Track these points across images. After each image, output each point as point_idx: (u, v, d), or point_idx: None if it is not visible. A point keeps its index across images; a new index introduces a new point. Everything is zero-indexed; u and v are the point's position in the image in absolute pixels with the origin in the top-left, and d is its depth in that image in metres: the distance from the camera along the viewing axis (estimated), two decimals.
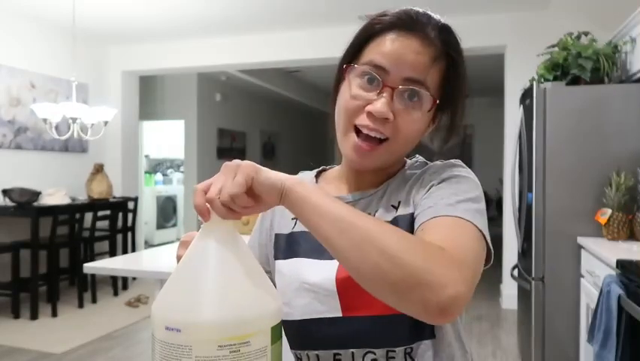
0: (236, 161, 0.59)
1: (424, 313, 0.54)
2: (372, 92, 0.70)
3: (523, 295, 3.02)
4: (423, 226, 0.65)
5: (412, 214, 0.71)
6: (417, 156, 0.85)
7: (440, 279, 0.52)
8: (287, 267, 0.78)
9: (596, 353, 1.95)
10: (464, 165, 0.76)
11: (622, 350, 1.77)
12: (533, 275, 2.70)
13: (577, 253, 2.61)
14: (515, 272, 3.24)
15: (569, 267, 2.63)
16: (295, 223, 0.81)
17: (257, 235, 0.88)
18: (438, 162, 0.77)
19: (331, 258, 0.72)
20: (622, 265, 1.90)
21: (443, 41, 0.72)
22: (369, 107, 0.69)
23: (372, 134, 0.70)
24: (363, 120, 0.70)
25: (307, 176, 0.91)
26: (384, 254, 0.54)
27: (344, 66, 0.74)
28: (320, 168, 0.93)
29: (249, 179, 0.56)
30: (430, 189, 0.71)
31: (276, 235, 0.83)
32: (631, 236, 2.46)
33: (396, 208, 0.74)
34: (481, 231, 0.64)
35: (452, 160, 0.76)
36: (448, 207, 0.65)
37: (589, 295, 2.39)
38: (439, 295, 0.52)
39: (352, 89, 0.71)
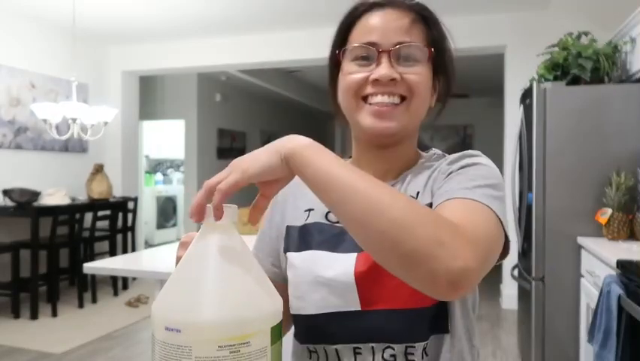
0: (238, 161, 0.59)
1: (433, 286, 0.52)
2: (370, 65, 0.72)
3: (523, 295, 3.02)
4: (438, 208, 0.64)
5: (431, 204, 0.69)
6: (434, 148, 0.84)
7: (450, 252, 0.51)
8: (300, 260, 0.76)
9: (596, 353, 1.95)
10: (483, 154, 0.75)
11: (622, 350, 1.77)
12: (533, 275, 2.70)
13: (577, 253, 2.61)
14: (515, 272, 3.24)
15: (569, 267, 2.63)
16: (308, 215, 0.80)
17: (267, 230, 0.86)
18: (456, 154, 0.76)
19: (347, 250, 0.72)
20: (622, 265, 1.90)
21: (417, 9, 0.74)
22: (373, 75, 0.71)
23: (387, 99, 0.71)
24: (370, 90, 0.71)
25: None
26: (394, 224, 0.52)
27: (337, 52, 0.76)
28: None
29: (242, 180, 0.56)
30: (448, 176, 0.70)
31: (288, 227, 0.81)
32: (631, 236, 2.46)
33: (414, 198, 0.74)
34: (498, 217, 0.62)
35: (471, 150, 0.75)
36: (466, 190, 0.64)
37: (589, 295, 2.39)
38: (448, 268, 0.51)
39: (351, 69, 0.73)
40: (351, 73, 0.73)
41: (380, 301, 0.69)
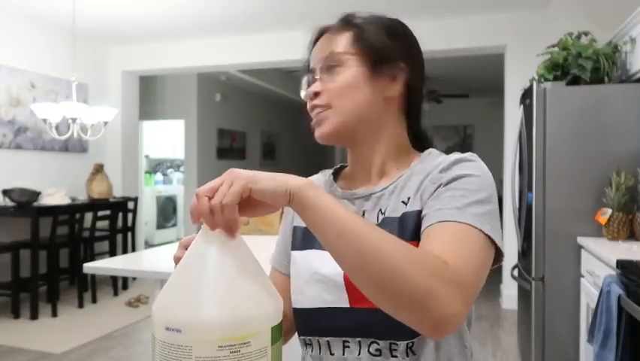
0: (238, 170, 0.59)
1: (419, 327, 0.56)
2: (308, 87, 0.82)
3: (523, 295, 3.02)
4: (429, 230, 0.65)
5: (420, 212, 0.72)
6: (431, 148, 0.84)
7: (441, 301, 0.54)
8: (301, 258, 0.82)
9: (596, 353, 1.95)
10: (477, 158, 0.75)
11: (622, 350, 1.77)
12: (533, 275, 2.70)
13: (577, 253, 2.61)
14: (515, 272, 3.24)
15: (569, 267, 2.63)
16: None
17: (283, 229, 0.91)
18: (450, 157, 0.75)
19: None
20: (622, 265, 1.90)
21: (343, 20, 0.81)
22: (302, 95, 0.83)
23: (315, 111, 0.80)
24: (309, 107, 0.81)
25: (326, 173, 0.92)
26: (387, 270, 0.55)
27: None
28: (338, 166, 0.94)
29: (245, 189, 0.57)
30: (438, 188, 0.71)
31: (294, 228, 0.87)
32: (631, 236, 2.46)
33: (405, 204, 0.75)
34: (489, 236, 0.64)
35: (465, 155, 0.75)
36: (456, 211, 0.65)
37: (589, 295, 2.39)
38: (436, 315, 0.54)
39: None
40: (304, 98, 0.83)
41: (367, 300, 0.71)
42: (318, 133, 0.79)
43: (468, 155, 0.75)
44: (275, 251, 0.91)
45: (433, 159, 0.79)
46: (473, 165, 0.73)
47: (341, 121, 0.78)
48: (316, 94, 0.78)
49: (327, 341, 0.77)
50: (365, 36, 0.78)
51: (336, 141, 0.80)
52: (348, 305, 0.74)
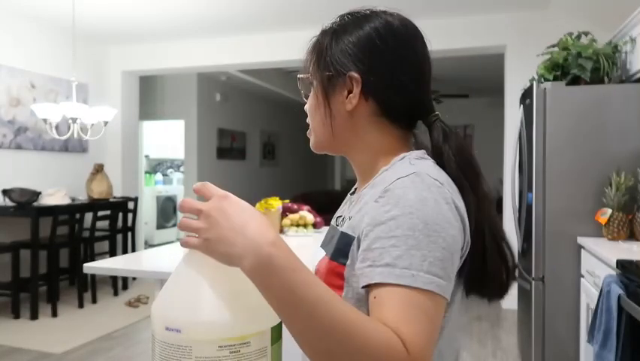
0: (214, 221, 0.58)
1: None
2: None
3: (523, 295, 3.02)
4: (375, 295, 0.61)
5: (353, 239, 0.70)
6: (408, 153, 0.76)
7: None
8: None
9: (596, 353, 1.95)
10: (409, 182, 0.66)
11: (622, 350, 1.77)
12: (533, 275, 2.70)
13: (577, 253, 2.61)
14: (515, 272, 3.24)
15: (569, 267, 2.63)
16: (336, 219, 0.86)
17: None
18: (386, 183, 0.69)
19: (324, 251, 0.79)
20: (622, 265, 1.90)
21: (312, 43, 0.82)
22: None
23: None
24: None
25: None
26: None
27: None
28: None
29: (202, 250, 0.57)
30: (367, 230, 0.66)
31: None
32: (631, 236, 2.46)
33: (349, 220, 0.75)
34: (431, 291, 0.60)
35: (397, 182, 0.67)
36: (387, 268, 0.60)
37: (589, 295, 2.39)
38: None
39: None
40: None
41: None
42: (311, 146, 0.84)
43: (400, 182, 0.67)
44: None
45: (396, 170, 0.72)
46: (407, 197, 0.65)
47: (316, 140, 0.81)
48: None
49: None
50: (321, 53, 0.79)
51: (331, 152, 0.83)
52: None
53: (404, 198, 0.64)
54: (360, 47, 0.75)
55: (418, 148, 0.79)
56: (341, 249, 0.72)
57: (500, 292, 0.77)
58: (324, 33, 0.80)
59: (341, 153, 0.83)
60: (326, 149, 0.82)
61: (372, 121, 0.77)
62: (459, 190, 0.71)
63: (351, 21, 0.78)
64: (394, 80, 0.75)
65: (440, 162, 0.74)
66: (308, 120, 0.82)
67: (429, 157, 0.75)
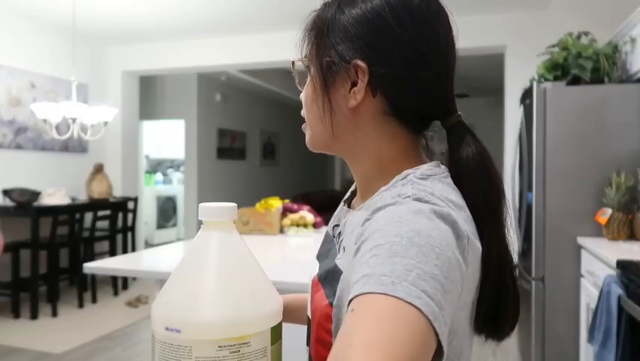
0: None
1: None
2: None
3: (523, 295, 3.02)
4: (350, 306, 0.44)
5: (341, 274, 0.59)
6: (413, 171, 0.60)
7: None
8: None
9: (596, 353, 1.95)
10: (406, 200, 0.53)
11: (622, 350, 1.77)
12: (533, 275, 2.70)
13: (577, 253, 2.61)
14: (515, 272, 3.24)
15: (569, 267, 2.63)
16: (333, 228, 0.75)
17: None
18: (382, 201, 0.55)
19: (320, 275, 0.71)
20: (622, 265, 1.90)
21: (311, 19, 0.67)
22: None
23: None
24: None
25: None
26: None
27: None
28: None
29: None
30: (357, 250, 0.52)
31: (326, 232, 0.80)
32: (631, 236, 2.46)
33: (344, 251, 0.63)
34: (416, 307, 0.42)
35: (392, 202, 0.54)
36: (367, 279, 0.44)
37: (589, 295, 2.39)
38: None
39: None
40: None
41: (314, 342, 0.65)
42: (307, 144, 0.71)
43: (397, 202, 0.53)
44: None
45: (397, 190, 0.57)
46: (394, 210, 0.52)
47: (313, 138, 0.68)
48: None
49: (309, 350, 0.74)
50: (321, 32, 0.64)
51: (330, 151, 0.69)
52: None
53: (395, 212, 0.51)
54: (369, 27, 0.60)
55: (428, 155, 0.66)
56: (333, 286, 0.60)
57: (511, 331, 0.65)
58: (326, 6, 0.65)
59: (340, 155, 0.69)
60: (323, 149, 0.68)
61: (378, 122, 0.62)
62: (476, 216, 0.57)
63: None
64: (410, 71, 0.59)
65: (456, 174, 0.60)
66: (303, 112, 0.68)
67: (442, 168, 0.61)
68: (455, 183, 0.60)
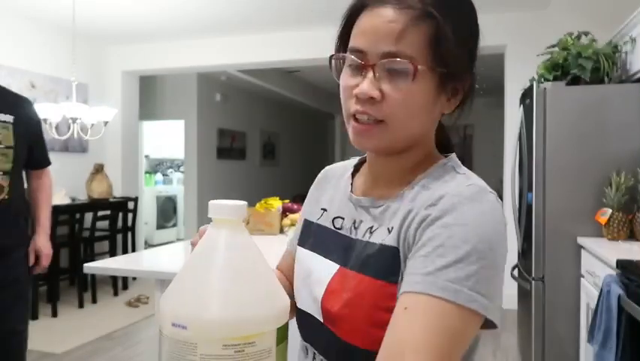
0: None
1: None
2: (359, 76, 0.64)
3: (523, 295, 3.02)
4: (407, 305, 0.56)
5: (397, 250, 0.63)
6: (451, 155, 0.70)
7: None
8: (303, 256, 0.78)
9: (596, 353, 1.95)
10: (479, 196, 0.61)
11: (622, 350, 1.77)
12: (533, 275, 2.70)
13: (577, 253, 2.61)
14: (515, 272, 3.24)
15: (569, 267, 2.63)
16: (321, 215, 0.79)
17: (302, 215, 0.87)
18: (439, 194, 0.62)
19: (334, 260, 0.71)
20: (622, 265, 1.90)
21: (422, 4, 0.61)
22: (355, 91, 0.64)
23: (364, 117, 0.64)
24: (354, 106, 0.65)
25: (350, 164, 0.83)
26: None
27: (330, 57, 0.70)
28: (363, 157, 0.80)
29: None
30: (416, 233, 0.61)
31: (305, 220, 0.83)
32: (631, 236, 2.46)
33: (389, 232, 0.65)
34: (473, 310, 0.54)
35: (464, 190, 0.61)
36: (425, 277, 0.55)
37: (589, 295, 2.39)
38: None
39: (343, 79, 0.67)
40: (343, 88, 0.67)
41: (337, 325, 0.68)
42: (363, 145, 0.67)
43: (469, 191, 0.61)
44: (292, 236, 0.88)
45: (447, 170, 0.67)
46: (464, 208, 0.59)
47: (392, 141, 0.65)
48: (372, 98, 0.62)
49: (305, 345, 0.76)
50: (442, 39, 0.61)
51: (383, 152, 0.70)
52: (322, 320, 0.70)
53: (460, 208, 0.59)
54: (474, 37, 0.64)
55: None
56: (389, 264, 0.63)
57: None
58: (437, 5, 0.61)
59: (388, 155, 0.70)
60: (403, 146, 0.67)
61: (438, 118, 0.69)
62: None
63: (466, 7, 0.65)
64: (475, 78, 0.66)
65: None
66: (380, 114, 0.63)
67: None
68: None
